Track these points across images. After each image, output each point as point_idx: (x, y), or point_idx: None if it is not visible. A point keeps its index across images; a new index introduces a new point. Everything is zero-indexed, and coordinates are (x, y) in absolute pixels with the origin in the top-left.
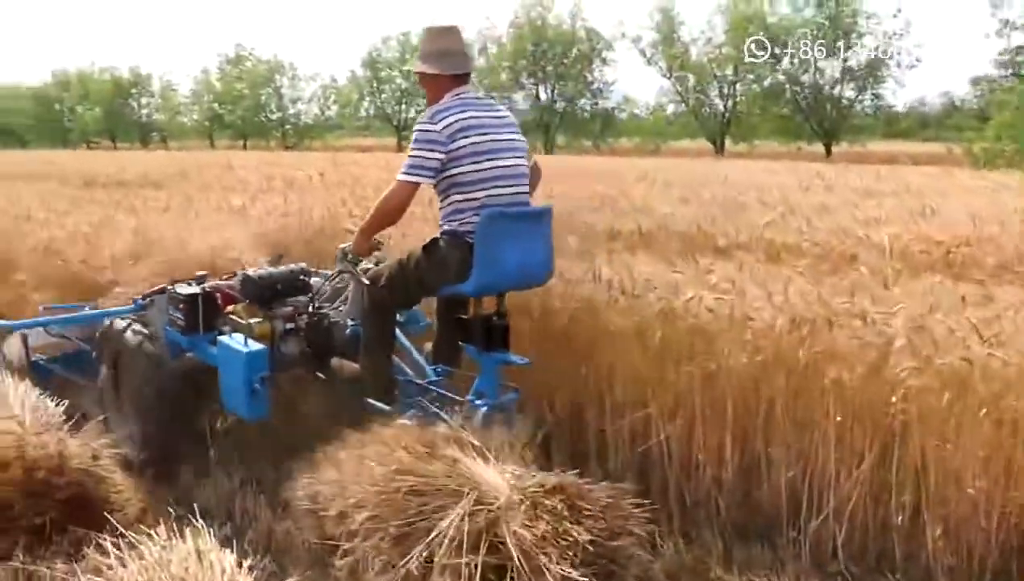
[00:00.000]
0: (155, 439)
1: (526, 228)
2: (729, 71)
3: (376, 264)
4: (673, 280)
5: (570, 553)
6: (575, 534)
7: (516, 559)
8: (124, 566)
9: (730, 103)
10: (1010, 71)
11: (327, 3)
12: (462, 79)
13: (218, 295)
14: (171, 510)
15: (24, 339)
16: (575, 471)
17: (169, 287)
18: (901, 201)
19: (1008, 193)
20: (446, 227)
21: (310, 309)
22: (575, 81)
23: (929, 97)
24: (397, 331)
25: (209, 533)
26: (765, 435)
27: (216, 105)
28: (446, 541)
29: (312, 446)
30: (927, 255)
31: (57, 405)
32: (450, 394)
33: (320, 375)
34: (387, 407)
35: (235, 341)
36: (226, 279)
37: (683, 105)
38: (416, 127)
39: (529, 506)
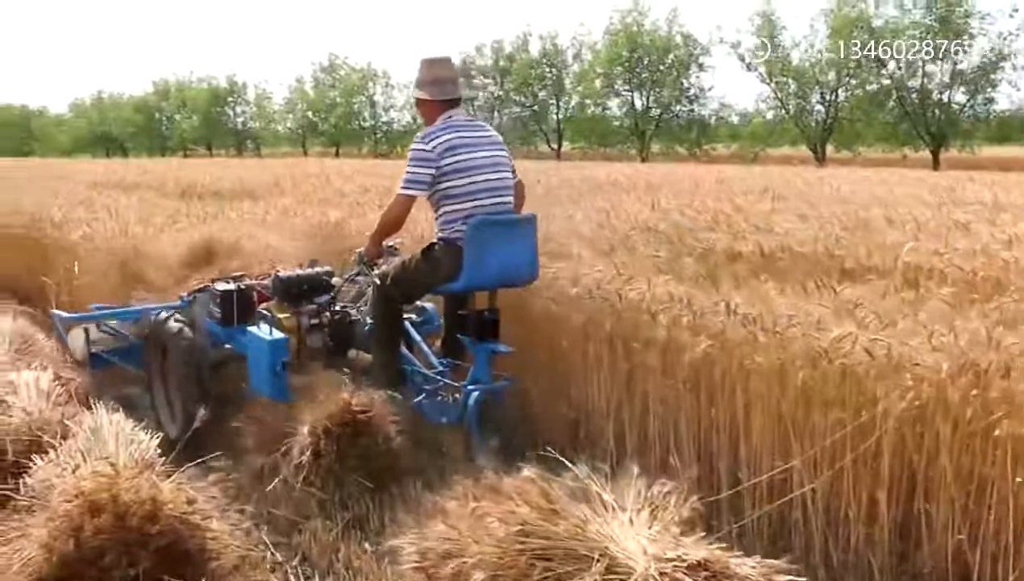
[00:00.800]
0: (192, 417)
1: (510, 234)
2: (831, 76)
3: None
4: (812, 312)
5: None
6: None
7: None
8: None
9: (832, 109)
10: None
11: (421, 11)
12: (453, 104)
13: (254, 293)
14: (270, 558)
15: (87, 333)
16: (706, 536)
17: (210, 285)
18: None
19: None
20: (440, 234)
21: (332, 307)
22: (671, 88)
23: None
24: (411, 329)
25: None
26: (926, 491)
27: (310, 113)
28: None
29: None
30: None
31: (151, 439)
32: (453, 383)
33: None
34: (397, 394)
35: (261, 331)
36: (260, 279)
37: (782, 111)
38: (411, 147)
39: None
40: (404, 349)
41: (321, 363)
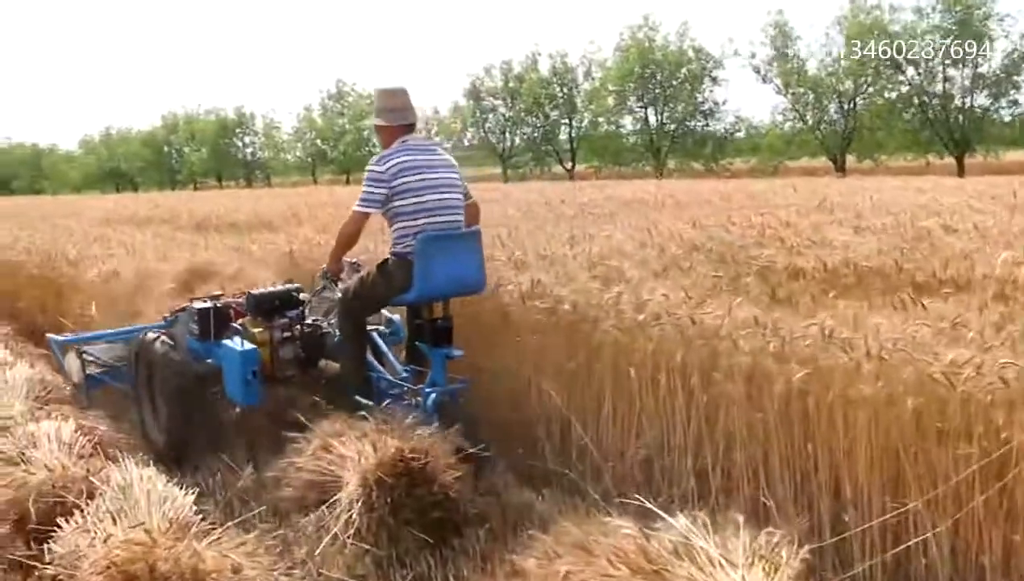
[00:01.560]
0: (177, 428)
1: (456, 247)
2: (848, 84)
3: None
4: (913, 332)
5: None
6: None
7: None
8: None
9: (851, 118)
10: None
11: (428, 36)
12: (408, 128)
13: (230, 310)
14: None
15: (81, 356)
16: None
17: (189, 304)
18: None
19: None
20: (393, 250)
21: (303, 320)
22: (685, 102)
23: None
24: (378, 339)
25: None
26: None
27: (319, 141)
28: None
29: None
30: None
31: (186, 495)
32: (414, 387)
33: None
34: (367, 400)
35: (234, 343)
36: (236, 297)
37: (800, 122)
38: (367, 168)
39: None
40: (371, 357)
41: (294, 372)
